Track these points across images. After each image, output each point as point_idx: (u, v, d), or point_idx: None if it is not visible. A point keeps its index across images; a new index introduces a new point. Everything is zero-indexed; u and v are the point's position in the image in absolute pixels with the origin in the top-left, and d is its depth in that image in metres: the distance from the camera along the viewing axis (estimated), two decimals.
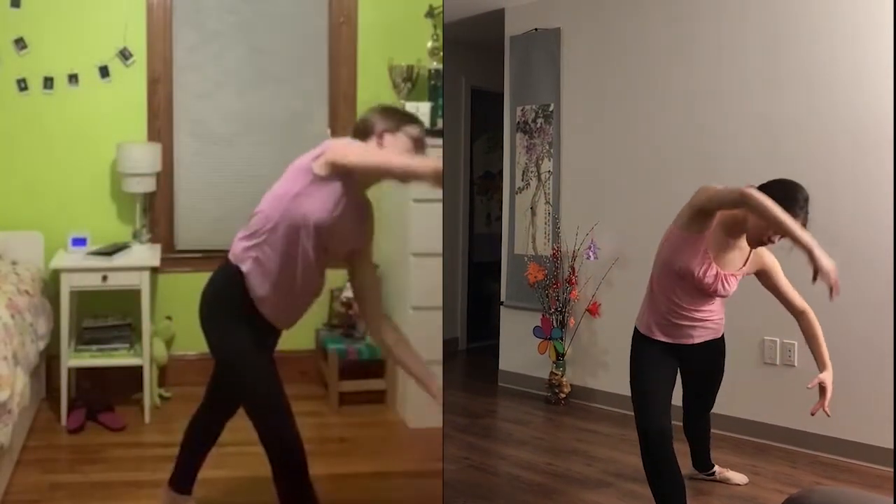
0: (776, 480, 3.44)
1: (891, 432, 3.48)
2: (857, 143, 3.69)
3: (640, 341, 2.89)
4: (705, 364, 2.98)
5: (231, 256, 2.38)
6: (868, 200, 3.65)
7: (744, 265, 2.77)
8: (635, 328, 2.93)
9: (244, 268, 2.33)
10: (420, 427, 3.61)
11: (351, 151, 2.24)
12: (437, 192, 3.57)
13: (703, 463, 3.35)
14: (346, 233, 2.36)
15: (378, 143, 2.37)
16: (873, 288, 3.63)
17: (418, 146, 2.39)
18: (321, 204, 2.24)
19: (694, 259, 2.65)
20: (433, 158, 2.17)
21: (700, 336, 2.85)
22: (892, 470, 3.48)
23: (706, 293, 2.74)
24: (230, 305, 2.37)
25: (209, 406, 2.76)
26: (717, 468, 3.39)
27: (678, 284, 2.75)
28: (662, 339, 2.83)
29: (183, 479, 2.78)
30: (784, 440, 3.89)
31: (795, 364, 3.88)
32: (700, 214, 2.59)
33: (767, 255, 2.85)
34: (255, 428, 2.39)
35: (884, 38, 3.56)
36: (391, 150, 2.33)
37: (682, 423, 3.23)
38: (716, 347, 2.96)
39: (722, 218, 2.65)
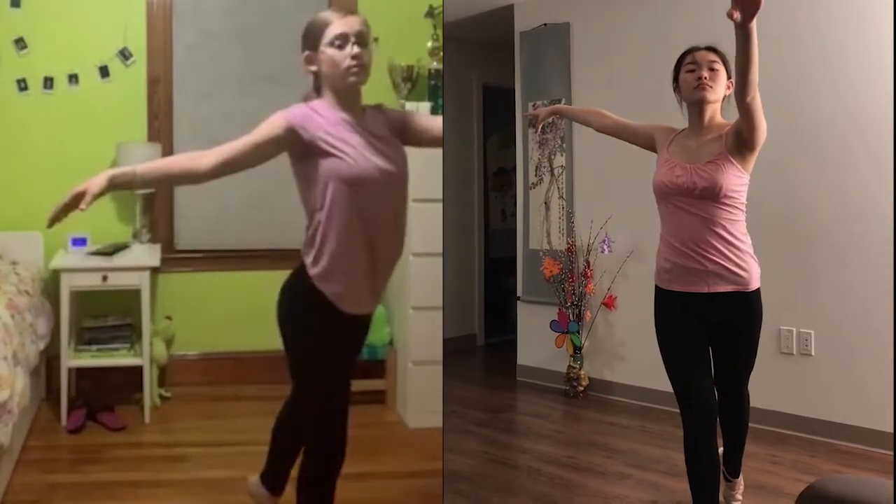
0: (795, 469, 3.44)
1: None
2: (870, 135, 3.69)
3: (659, 299, 2.66)
4: (731, 321, 2.58)
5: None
6: (876, 187, 3.67)
7: (723, 149, 2.47)
8: (655, 285, 2.70)
9: (316, 274, 2.17)
10: (420, 427, 3.61)
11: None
12: (438, 192, 3.58)
13: (731, 467, 2.93)
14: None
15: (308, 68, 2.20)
16: (887, 277, 3.62)
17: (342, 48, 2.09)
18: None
19: (660, 171, 2.60)
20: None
21: (715, 283, 2.51)
22: None
23: (691, 195, 2.48)
24: (309, 313, 2.23)
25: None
26: (739, 481, 2.96)
27: (667, 209, 2.58)
28: (676, 287, 2.58)
29: (273, 475, 2.62)
30: (802, 429, 3.89)
31: (812, 353, 3.89)
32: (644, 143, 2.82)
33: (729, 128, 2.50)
34: (305, 425, 2.35)
35: (886, 28, 3.56)
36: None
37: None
38: (743, 303, 2.55)
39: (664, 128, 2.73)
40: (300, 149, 2.09)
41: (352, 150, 2.09)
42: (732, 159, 2.46)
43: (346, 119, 2.13)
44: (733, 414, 2.83)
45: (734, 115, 2.42)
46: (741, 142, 2.43)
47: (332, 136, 2.09)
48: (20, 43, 3.95)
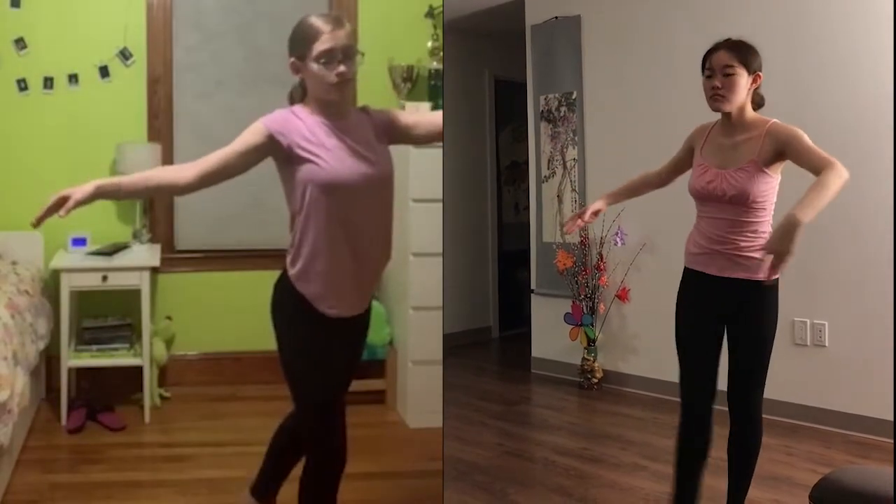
0: (809, 460, 3.45)
1: None
2: (886, 131, 3.68)
3: (682, 279, 2.63)
4: (743, 310, 2.49)
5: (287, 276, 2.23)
6: (891, 181, 3.64)
7: (755, 156, 2.43)
8: (684, 267, 2.64)
9: (293, 275, 2.18)
10: (420, 427, 3.62)
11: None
12: (438, 192, 3.58)
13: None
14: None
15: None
16: None
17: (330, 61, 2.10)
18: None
19: (693, 175, 2.60)
20: None
21: (722, 266, 2.48)
22: None
23: (721, 200, 2.48)
24: (292, 313, 2.23)
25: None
26: None
27: (701, 208, 2.58)
28: (697, 267, 2.55)
29: (265, 488, 2.65)
30: (816, 420, 3.90)
31: (826, 344, 3.90)
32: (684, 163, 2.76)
33: (783, 129, 2.42)
34: (301, 428, 2.34)
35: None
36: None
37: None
38: (756, 292, 2.46)
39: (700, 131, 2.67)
40: (281, 153, 2.11)
41: (328, 155, 2.10)
42: (763, 167, 2.44)
43: (325, 123, 2.14)
44: (741, 436, 2.57)
45: (768, 110, 2.43)
46: (779, 157, 2.44)
47: (308, 141, 2.10)
48: (20, 43, 3.95)
